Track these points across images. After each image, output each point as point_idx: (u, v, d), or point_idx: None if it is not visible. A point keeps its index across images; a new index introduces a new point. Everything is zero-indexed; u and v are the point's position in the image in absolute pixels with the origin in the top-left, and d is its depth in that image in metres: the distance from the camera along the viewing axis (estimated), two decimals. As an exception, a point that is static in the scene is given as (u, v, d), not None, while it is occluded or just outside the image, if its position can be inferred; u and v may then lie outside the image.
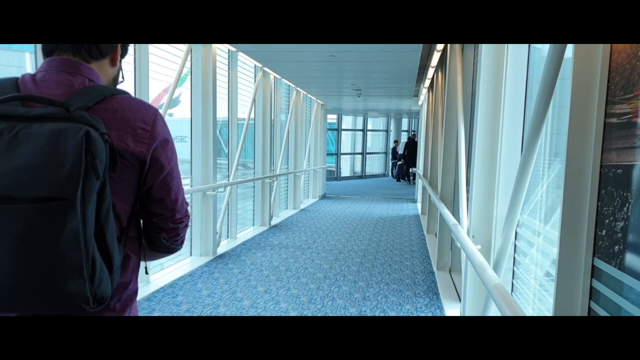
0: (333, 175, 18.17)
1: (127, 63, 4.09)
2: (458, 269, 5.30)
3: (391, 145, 20.07)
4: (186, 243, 5.96)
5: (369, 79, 8.50)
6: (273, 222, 8.33)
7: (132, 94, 1.17)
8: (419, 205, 11.12)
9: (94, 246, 0.98)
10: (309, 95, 11.11)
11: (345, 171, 19.81)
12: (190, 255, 5.77)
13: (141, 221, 1.21)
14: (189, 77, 5.67)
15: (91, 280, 0.97)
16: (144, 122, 1.10)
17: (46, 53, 1.13)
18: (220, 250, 6.09)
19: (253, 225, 8.00)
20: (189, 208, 1.29)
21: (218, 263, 5.53)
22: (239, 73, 7.00)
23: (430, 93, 8.72)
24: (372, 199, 12.73)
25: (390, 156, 19.79)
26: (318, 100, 12.05)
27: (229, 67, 6.58)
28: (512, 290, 3.03)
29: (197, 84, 5.55)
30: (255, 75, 7.64)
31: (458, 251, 4.88)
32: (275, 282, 4.82)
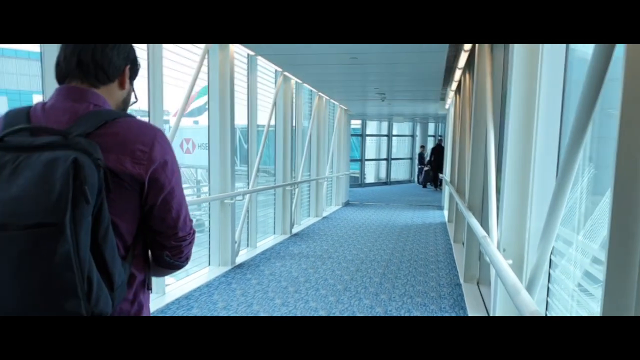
0: (357, 182, 17.92)
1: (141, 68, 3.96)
2: (486, 281, 5.01)
3: (417, 150, 19.71)
4: (204, 252, 5.86)
5: (393, 82, 8.26)
6: (294, 230, 8.14)
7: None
8: (445, 212, 10.79)
9: (91, 266, 1.02)
10: (331, 101, 10.92)
11: (370, 177, 19.52)
12: (209, 264, 5.61)
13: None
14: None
15: (88, 299, 1.01)
16: (143, 144, 1.13)
17: (59, 81, 1.19)
18: (239, 259, 5.92)
19: (274, 233, 7.82)
20: (193, 225, 1.31)
21: (236, 273, 5.35)
22: (259, 78, 6.85)
23: (457, 96, 8.43)
24: (396, 206, 12.44)
25: (417, 162, 19.42)
26: (341, 106, 11.85)
27: (248, 72, 6.43)
28: (546, 308, 2.77)
29: (214, 89, 5.40)
30: (275, 80, 7.48)
31: (487, 262, 4.60)
32: (293, 294, 4.61)
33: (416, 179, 19.43)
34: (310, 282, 5.06)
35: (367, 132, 18.51)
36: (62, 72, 1.19)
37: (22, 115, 1.13)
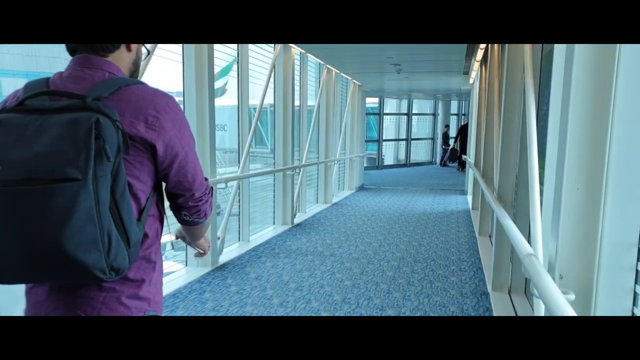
0: (375, 164, 16.93)
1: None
2: (520, 289, 4.06)
3: (439, 130, 18.55)
4: (181, 252, 5.03)
5: (410, 51, 7.16)
6: (297, 220, 7.23)
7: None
8: (469, 198, 9.77)
9: (110, 222, 1.08)
10: (343, 75, 9.88)
11: (389, 159, 18.48)
12: (186, 265, 4.76)
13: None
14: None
15: (107, 253, 1.07)
16: (155, 109, 1.19)
17: (70, 53, 1.25)
18: (224, 258, 5.05)
19: (273, 224, 6.93)
20: (205, 184, 1.34)
21: (215, 277, 4.48)
22: (251, 46, 5.90)
23: (484, 68, 7.36)
24: (416, 191, 11.43)
25: (441, 142, 18.29)
26: (354, 81, 10.81)
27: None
28: None
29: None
30: (273, 50, 6.53)
31: (520, 264, 3.58)
32: (277, 307, 3.72)
33: (439, 161, 18.33)
34: (302, 289, 4.16)
35: (386, 111, 17.43)
36: (71, 47, 1.25)
37: (41, 83, 1.19)
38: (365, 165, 17.27)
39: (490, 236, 6.21)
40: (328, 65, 8.60)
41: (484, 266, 4.91)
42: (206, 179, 1.34)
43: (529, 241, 2.49)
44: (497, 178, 4.38)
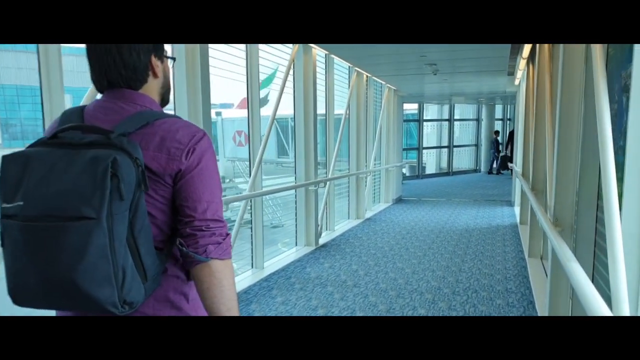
0: (415, 173, 16.07)
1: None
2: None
3: (482, 136, 17.48)
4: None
5: (447, 48, 6.36)
6: (322, 240, 6.55)
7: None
8: (516, 210, 8.82)
9: (126, 257, 1.09)
10: (375, 79, 9.16)
11: (430, 167, 17.55)
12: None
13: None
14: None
15: (121, 288, 1.08)
16: (179, 142, 1.19)
17: (100, 89, 1.27)
18: (240, 286, 4.43)
19: (296, 245, 6.27)
20: (222, 220, 1.26)
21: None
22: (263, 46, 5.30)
23: (531, 66, 6.51)
24: (458, 202, 10.54)
25: (490, 148, 17.20)
26: (389, 85, 10.07)
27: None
28: None
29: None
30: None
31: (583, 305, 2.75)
32: (281, 360, 3.05)
33: (488, 168, 17.25)
34: (313, 333, 3.47)
35: (426, 117, 16.55)
36: (99, 88, 1.26)
37: (76, 114, 1.23)
38: (408, 174, 16.50)
39: (541, 258, 5.36)
40: (357, 68, 7.90)
41: (536, 300, 4.08)
42: (217, 216, 1.24)
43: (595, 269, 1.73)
44: (551, 195, 3.58)
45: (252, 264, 5.16)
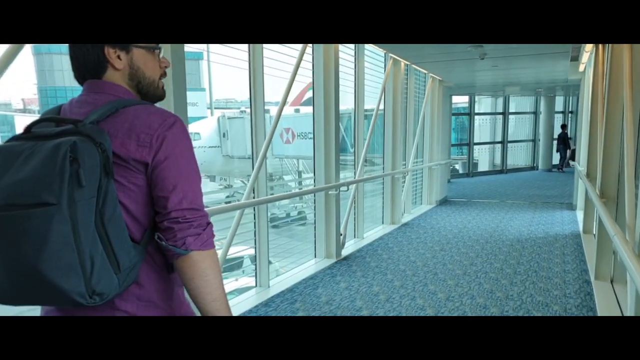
0: (465, 170, 14.91)
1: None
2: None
3: (541, 130, 15.98)
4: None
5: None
6: (346, 251, 5.70)
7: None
8: (579, 215, 7.65)
9: (95, 246, 1.06)
10: (416, 68, 8.18)
11: (483, 164, 16.28)
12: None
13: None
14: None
15: (90, 277, 1.04)
16: (149, 128, 1.15)
17: (78, 80, 1.28)
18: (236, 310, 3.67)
19: (314, 257, 5.46)
20: (200, 209, 1.21)
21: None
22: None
23: (601, 50, 5.41)
24: (511, 205, 9.40)
25: (557, 144, 15.72)
26: (433, 75, 9.04)
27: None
28: None
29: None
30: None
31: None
32: None
33: (559, 164, 15.82)
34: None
35: (478, 110, 15.30)
36: (79, 83, 1.27)
37: (54, 110, 1.25)
38: (460, 171, 15.30)
39: (612, 281, 4.31)
40: (392, 55, 6.97)
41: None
42: (194, 205, 1.18)
43: None
44: (632, 210, 2.62)
45: (256, 282, 4.40)
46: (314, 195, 5.42)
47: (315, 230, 5.45)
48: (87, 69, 1.22)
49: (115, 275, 1.09)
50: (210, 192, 8.95)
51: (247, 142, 15.28)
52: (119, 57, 1.22)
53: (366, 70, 6.90)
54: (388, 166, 7.33)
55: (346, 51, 6.27)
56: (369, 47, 6.56)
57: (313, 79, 5.24)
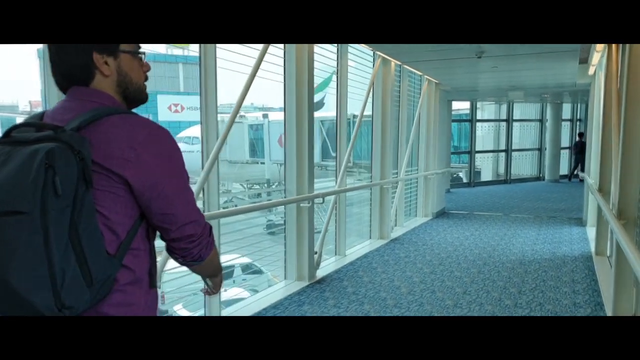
0: (467, 180, 14.19)
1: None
2: None
3: (547, 138, 15.22)
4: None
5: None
6: (322, 272, 4.98)
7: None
8: (589, 232, 6.94)
9: (68, 258, 1.02)
10: (407, 68, 7.47)
11: (486, 174, 15.55)
12: None
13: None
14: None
15: (59, 290, 1.00)
16: (131, 141, 1.12)
17: (60, 88, 1.24)
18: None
19: (285, 279, 4.76)
20: (202, 222, 1.25)
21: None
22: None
23: (614, 50, 4.73)
24: (514, 219, 8.67)
25: (576, 152, 14.98)
26: (428, 77, 8.34)
27: None
28: None
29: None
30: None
31: None
32: None
33: (570, 174, 15.10)
34: None
35: (480, 117, 14.59)
36: (60, 89, 1.24)
37: (37, 115, 1.21)
38: (464, 180, 14.56)
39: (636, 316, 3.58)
40: (380, 53, 6.27)
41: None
42: (195, 220, 1.21)
43: None
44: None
45: (205, 309, 3.69)
46: (285, 208, 4.72)
47: (285, 247, 4.75)
48: (73, 75, 1.18)
49: (87, 288, 1.05)
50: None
51: (245, 147, 14.77)
52: (106, 62, 1.19)
53: (353, 70, 6.24)
54: (376, 175, 6.62)
55: (329, 48, 5.62)
56: (355, 44, 5.88)
57: (284, 80, 4.61)
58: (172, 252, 1.23)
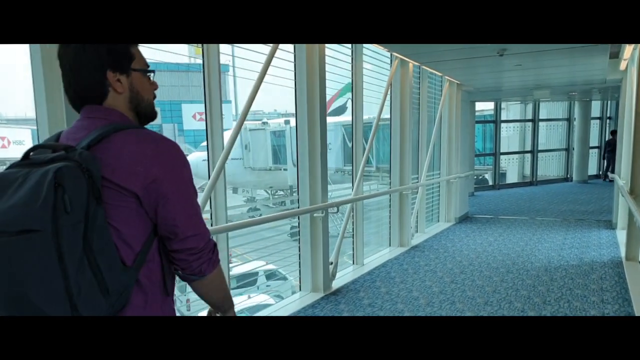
0: (492, 182, 13.84)
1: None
2: None
3: (575, 137, 14.76)
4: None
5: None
6: (338, 283, 4.85)
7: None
8: (619, 236, 6.64)
9: (81, 271, 1.05)
10: (426, 69, 7.28)
11: (512, 176, 15.18)
12: None
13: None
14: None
15: (74, 302, 1.04)
16: (139, 156, 1.15)
17: (73, 106, 1.29)
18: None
19: (299, 290, 4.64)
20: (207, 236, 1.27)
21: None
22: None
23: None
24: (540, 222, 8.37)
25: (606, 151, 14.52)
26: (449, 78, 8.12)
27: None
28: None
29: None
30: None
31: None
32: None
33: (604, 174, 14.65)
34: None
35: (504, 117, 14.22)
36: (74, 108, 1.28)
37: (54, 136, 1.26)
38: (490, 182, 14.19)
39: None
40: (396, 54, 6.11)
41: None
42: (198, 234, 1.23)
43: None
44: None
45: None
46: (298, 218, 4.59)
47: (299, 259, 4.62)
48: (88, 93, 1.22)
49: (103, 299, 1.09)
50: (234, 207, 8.35)
51: (269, 154, 14.76)
52: (119, 80, 1.23)
53: (371, 73, 6.09)
54: (395, 181, 6.45)
55: (343, 50, 5.49)
56: (370, 45, 5.73)
57: (295, 85, 4.48)
58: (172, 263, 1.25)
